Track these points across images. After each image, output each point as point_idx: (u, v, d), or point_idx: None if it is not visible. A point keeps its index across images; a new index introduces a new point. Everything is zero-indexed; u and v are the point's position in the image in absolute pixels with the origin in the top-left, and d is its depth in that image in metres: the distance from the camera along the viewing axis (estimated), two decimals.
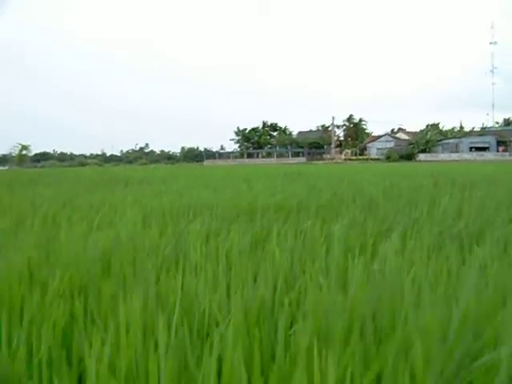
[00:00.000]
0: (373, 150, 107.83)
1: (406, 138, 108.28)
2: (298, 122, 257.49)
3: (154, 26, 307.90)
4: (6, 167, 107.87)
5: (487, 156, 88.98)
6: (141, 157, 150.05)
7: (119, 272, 2.89)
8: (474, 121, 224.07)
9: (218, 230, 4.33)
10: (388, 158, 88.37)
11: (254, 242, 3.74)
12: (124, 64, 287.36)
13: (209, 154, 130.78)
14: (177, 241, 3.65)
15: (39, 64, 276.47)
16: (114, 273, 2.90)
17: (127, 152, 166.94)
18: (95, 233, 4.20)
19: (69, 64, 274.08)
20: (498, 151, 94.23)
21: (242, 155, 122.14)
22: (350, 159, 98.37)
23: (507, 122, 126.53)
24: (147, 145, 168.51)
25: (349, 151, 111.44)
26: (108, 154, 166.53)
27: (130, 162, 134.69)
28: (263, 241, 3.86)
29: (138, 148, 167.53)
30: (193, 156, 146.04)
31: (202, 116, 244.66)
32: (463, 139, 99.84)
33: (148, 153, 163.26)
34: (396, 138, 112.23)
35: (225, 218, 5.34)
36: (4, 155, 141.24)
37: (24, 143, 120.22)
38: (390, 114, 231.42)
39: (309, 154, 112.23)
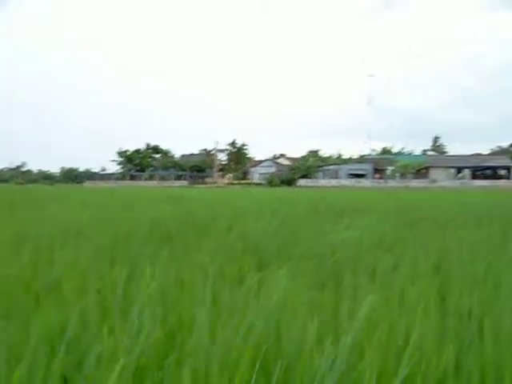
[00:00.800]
0: (255, 175, 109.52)
1: (288, 163, 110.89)
2: (182, 145, 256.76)
3: None
4: None
5: (364, 183, 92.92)
6: (17, 176, 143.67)
7: None
8: (353, 149, 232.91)
9: None
10: (270, 183, 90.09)
11: None
12: None
13: (89, 175, 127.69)
14: None
15: None
16: None
17: (2, 170, 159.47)
18: None
19: None
20: (374, 178, 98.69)
21: (124, 177, 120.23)
22: (232, 183, 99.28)
23: (384, 151, 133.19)
24: (24, 163, 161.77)
25: (231, 175, 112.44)
26: None
27: (6, 181, 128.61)
28: None
29: (14, 166, 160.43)
30: (72, 176, 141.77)
31: (82, 135, 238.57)
32: (342, 166, 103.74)
33: (25, 172, 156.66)
34: (278, 163, 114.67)
35: None
36: None
37: None
38: (272, 141, 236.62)
39: (191, 177, 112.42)
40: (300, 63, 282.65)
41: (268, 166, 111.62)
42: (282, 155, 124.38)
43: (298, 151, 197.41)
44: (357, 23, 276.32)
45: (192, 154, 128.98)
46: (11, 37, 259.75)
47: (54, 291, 3.45)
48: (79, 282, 3.61)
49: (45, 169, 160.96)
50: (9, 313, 2.98)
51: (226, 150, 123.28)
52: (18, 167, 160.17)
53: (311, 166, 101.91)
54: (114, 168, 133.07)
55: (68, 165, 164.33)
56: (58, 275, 3.84)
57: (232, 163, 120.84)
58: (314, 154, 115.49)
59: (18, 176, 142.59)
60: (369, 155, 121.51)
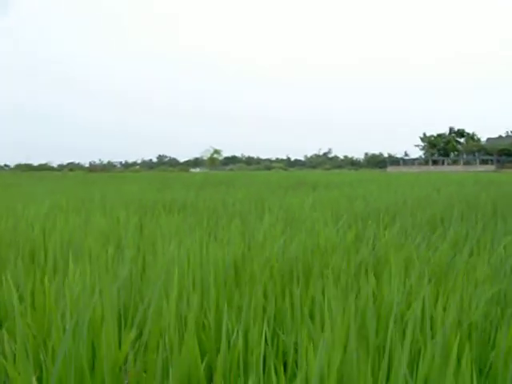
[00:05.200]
0: None
1: None
2: (488, 127, 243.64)
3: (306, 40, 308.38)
4: (197, 169, 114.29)
5: None
6: (324, 162, 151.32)
7: None
8: None
9: None
10: None
11: None
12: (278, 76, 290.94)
13: (392, 161, 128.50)
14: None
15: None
16: None
17: (311, 157, 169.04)
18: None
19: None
20: None
21: (426, 162, 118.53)
22: None
23: None
24: (330, 150, 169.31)
25: None
26: (292, 159, 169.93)
27: (314, 167, 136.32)
28: None
29: (321, 153, 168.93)
30: (376, 162, 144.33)
31: (383, 120, 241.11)
32: None
33: (331, 158, 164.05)
34: None
35: None
36: (197, 158, 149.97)
37: (216, 147, 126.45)
38: None
39: (498, 161, 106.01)
40: None
41: None
42: None
43: None
44: None
45: (499, 137, 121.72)
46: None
47: None
48: None
49: (350, 155, 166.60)
50: None
51: None
52: (325, 154, 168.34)
53: None
54: (417, 153, 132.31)
55: (372, 151, 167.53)
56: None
57: None
58: None
59: (326, 162, 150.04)
60: None
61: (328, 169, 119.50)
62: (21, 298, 2.47)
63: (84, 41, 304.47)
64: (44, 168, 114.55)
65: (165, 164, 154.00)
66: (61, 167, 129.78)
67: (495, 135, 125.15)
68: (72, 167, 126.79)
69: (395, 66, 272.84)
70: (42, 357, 1.78)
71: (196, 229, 4.95)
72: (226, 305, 2.32)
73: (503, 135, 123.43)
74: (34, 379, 1.57)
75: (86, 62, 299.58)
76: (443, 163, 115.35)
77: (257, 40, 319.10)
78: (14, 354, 1.70)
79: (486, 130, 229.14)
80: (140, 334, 2.22)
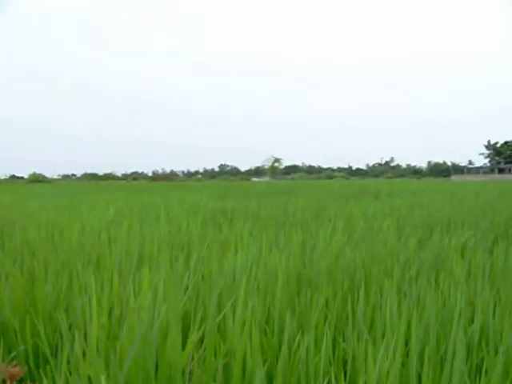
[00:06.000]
0: None
1: None
2: None
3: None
4: (261, 178, 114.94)
5: None
6: (386, 171, 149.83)
7: None
8: None
9: None
10: None
11: None
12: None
13: (456, 169, 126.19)
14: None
15: None
16: None
17: (373, 166, 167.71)
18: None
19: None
20: None
21: (492, 170, 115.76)
22: None
23: None
24: (392, 159, 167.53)
25: None
26: (354, 168, 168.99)
27: (376, 176, 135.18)
28: None
29: (383, 162, 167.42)
30: (439, 171, 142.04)
31: (447, 128, 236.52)
32: None
33: (393, 167, 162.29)
34: None
35: None
36: (258, 167, 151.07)
37: (277, 156, 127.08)
38: None
39: None
40: None
41: None
42: None
43: None
44: None
45: None
46: None
47: None
48: None
49: (413, 164, 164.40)
50: None
51: None
52: (387, 162, 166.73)
53: None
54: (481, 161, 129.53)
55: (435, 159, 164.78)
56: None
57: None
58: None
59: (388, 171, 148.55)
60: None
61: (390, 177, 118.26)
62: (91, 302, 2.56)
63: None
64: (109, 177, 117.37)
65: (226, 173, 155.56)
66: (125, 176, 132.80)
67: None
68: (135, 176, 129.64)
69: (463, 70, 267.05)
70: (112, 357, 1.85)
71: (259, 237, 5.01)
72: (288, 311, 2.36)
73: None
74: (103, 378, 1.63)
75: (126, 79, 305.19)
76: (510, 171, 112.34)
77: (313, 40, 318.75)
78: (85, 353, 1.78)
79: None
80: (203, 338, 2.27)
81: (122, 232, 5.56)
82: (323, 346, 2.06)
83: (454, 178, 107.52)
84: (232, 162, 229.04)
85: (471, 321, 2.48)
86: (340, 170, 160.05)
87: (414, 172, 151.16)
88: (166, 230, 5.85)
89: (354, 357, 2.16)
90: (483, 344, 2.23)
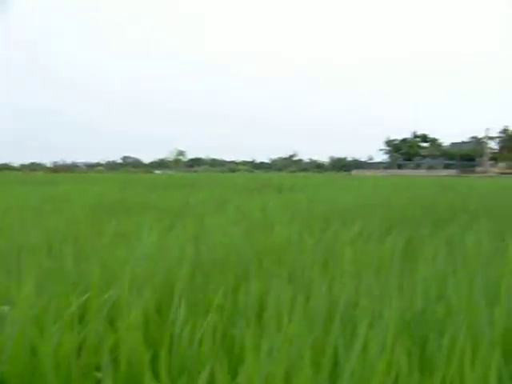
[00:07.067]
0: None
1: None
2: (452, 132, 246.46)
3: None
4: (161, 171, 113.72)
5: None
6: (290, 165, 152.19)
7: None
8: None
9: None
10: None
11: None
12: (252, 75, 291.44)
13: (357, 164, 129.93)
14: None
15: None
16: None
17: (276, 160, 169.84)
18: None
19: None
20: None
21: (391, 166, 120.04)
22: (504, 173, 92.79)
23: None
24: (295, 153, 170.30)
25: (503, 164, 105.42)
26: (257, 161, 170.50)
27: (279, 170, 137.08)
28: None
29: (287, 156, 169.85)
30: (340, 165, 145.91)
31: (347, 124, 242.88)
32: None
33: (296, 161, 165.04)
34: None
35: None
36: (161, 159, 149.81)
37: (180, 149, 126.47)
38: None
39: (460, 166, 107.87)
40: None
41: None
42: None
43: None
44: None
45: (463, 142, 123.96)
46: None
47: None
48: None
49: (315, 158, 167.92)
50: None
51: (499, 137, 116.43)
52: (290, 156, 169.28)
53: None
54: (381, 157, 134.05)
55: (336, 154, 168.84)
56: None
57: (504, 151, 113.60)
58: None
59: (291, 165, 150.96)
60: None
61: (293, 171, 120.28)
62: None
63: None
64: (5, 167, 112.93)
65: (128, 165, 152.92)
66: (23, 167, 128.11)
67: (460, 140, 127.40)
68: (34, 167, 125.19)
69: (350, 69, 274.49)
70: None
71: (157, 228, 4.92)
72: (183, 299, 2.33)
73: (466, 140, 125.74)
74: None
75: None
76: (407, 167, 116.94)
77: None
78: None
79: (452, 135, 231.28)
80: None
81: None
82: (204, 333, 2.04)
83: (354, 172, 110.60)
84: (136, 154, 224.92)
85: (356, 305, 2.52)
86: (244, 163, 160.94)
87: (317, 166, 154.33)
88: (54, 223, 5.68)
89: (241, 345, 2.15)
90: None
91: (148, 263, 3.15)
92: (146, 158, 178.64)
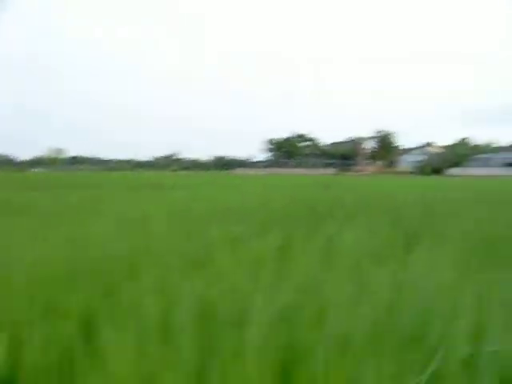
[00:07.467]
0: (403, 164, 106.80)
1: (436, 151, 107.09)
2: (333, 132, 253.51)
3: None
4: (35, 170, 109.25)
5: None
6: (172, 164, 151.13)
7: None
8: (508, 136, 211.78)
9: None
10: (422, 171, 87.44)
11: None
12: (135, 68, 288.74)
13: (240, 163, 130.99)
14: None
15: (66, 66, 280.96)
16: None
17: (158, 158, 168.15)
18: None
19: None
20: None
21: (272, 165, 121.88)
22: (379, 172, 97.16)
23: None
24: (178, 152, 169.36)
25: (380, 163, 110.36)
26: (140, 160, 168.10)
27: (162, 168, 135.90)
28: None
29: (169, 155, 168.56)
30: (222, 164, 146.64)
31: (226, 124, 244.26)
32: (494, 155, 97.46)
33: (179, 160, 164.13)
34: (427, 151, 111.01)
35: None
36: (39, 158, 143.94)
37: (58, 147, 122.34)
38: (418, 128, 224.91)
39: (339, 165, 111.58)
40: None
41: (417, 155, 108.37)
42: (429, 144, 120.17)
43: (443, 140, 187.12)
44: None
45: (342, 142, 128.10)
46: None
47: None
48: None
49: (197, 157, 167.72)
50: None
51: (374, 138, 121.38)
52: (172, 155, 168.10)
53: (462, 154, 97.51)
54: (263, 156, 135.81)
55: (219, 154, 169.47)
56: None
57: (380, 151, 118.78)
58: (463, 142, 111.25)
59: (173, 164, 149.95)
60: None
61: (175, 170, 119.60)
62: None
63: None
64: None
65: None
66: None
67: (340, 140, 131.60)
68: None
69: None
70: None
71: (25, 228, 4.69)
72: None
73: (344, 140, 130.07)
74: None
75: None
76: (288, 166, 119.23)
77: None
78: None
79: (331, 136, 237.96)
80: None
81: None
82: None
83: (237, 171, 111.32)
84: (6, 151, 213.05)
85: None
86: (125, 161, 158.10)
87: (199, 165, 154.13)
88: None
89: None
90: None
91: None
92: (22, 156, 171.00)
